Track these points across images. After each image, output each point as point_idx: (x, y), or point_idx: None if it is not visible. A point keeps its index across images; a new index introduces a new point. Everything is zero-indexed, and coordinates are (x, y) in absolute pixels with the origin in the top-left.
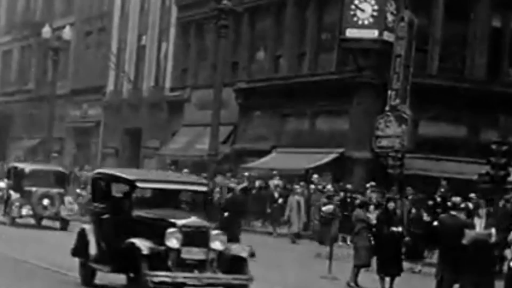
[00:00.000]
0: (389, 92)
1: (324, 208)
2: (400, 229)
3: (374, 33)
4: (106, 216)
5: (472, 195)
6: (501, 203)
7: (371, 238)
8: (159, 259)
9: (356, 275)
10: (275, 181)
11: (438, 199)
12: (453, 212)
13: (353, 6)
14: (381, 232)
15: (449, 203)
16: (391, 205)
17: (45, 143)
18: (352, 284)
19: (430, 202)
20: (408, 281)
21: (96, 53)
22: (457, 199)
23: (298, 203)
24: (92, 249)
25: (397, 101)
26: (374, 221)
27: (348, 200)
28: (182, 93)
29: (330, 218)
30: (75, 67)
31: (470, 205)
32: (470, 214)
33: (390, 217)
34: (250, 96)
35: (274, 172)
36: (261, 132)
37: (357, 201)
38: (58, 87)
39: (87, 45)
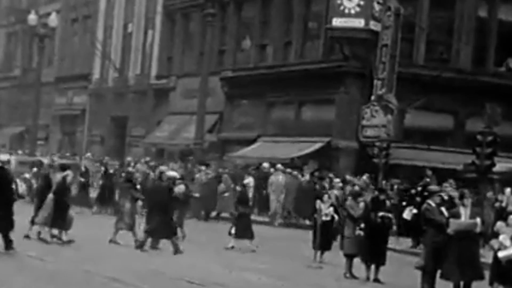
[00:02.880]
0: (375, 81)
1: (175, 189)
2: (390, 215)
3: (360, 22)
4: None
5: (449, 181)
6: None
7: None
8: None
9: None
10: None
11: (419, 188)
12: (429, 201)
13: None
14: (369, 219)
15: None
16: (382, 196)
17: (30, 130)
18: (348, 275)
19: (412, 191)
20: (394, 270)
21: (82, 40)
22: (433, 187)
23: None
24: None
25: (383, 90)
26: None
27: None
28: (168, 82)
29: (184, 199)
30: (61, 55)
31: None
32: (454, 204)
33: (379, 205)
34: (236, 85)
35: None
36: (247, 121)
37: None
38: (44, 74)
39: (73, 32)
